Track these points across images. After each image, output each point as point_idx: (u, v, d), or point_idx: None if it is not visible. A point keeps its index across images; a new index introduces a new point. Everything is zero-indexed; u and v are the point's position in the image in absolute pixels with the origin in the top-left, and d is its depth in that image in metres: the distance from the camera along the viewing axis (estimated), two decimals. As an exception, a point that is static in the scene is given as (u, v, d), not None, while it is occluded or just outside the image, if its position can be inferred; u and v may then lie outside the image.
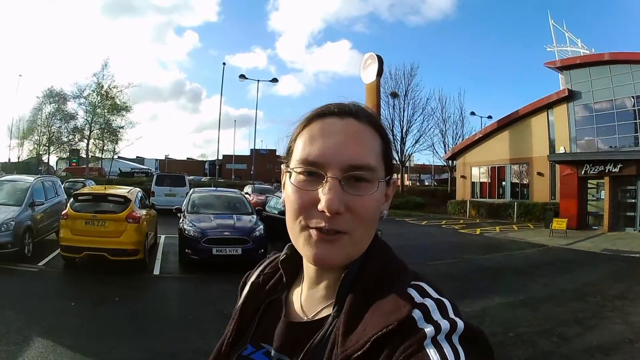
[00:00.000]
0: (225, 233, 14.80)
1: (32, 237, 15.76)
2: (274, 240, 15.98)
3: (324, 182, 1.16)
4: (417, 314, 1.05)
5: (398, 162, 58.78)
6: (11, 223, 14.57)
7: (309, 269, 1.32)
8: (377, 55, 42.71)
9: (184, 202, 18.64)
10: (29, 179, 18.46)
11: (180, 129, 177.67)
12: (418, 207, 47.16)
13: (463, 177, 45.08)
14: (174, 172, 41.65)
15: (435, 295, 1.14)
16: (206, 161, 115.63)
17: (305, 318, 1.30)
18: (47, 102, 62.62)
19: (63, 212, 14.74)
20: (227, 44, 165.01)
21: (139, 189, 18.06)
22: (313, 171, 1.18)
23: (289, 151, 1.29)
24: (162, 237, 19.11)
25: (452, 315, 1.07)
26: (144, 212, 15.47)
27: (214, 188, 25.79)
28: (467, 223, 34.96)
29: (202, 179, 65.09)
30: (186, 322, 9.70)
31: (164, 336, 8.75)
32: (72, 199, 15.17)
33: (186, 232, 14.90)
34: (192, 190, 20.70)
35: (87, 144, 61.39)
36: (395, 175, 1.34)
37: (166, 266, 15.29)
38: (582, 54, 36.54)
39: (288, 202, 1.21)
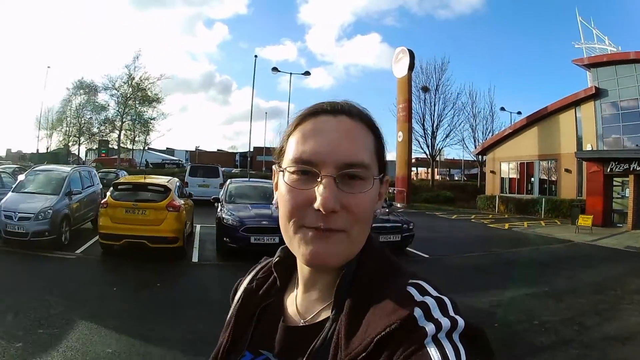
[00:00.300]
0: (264, 222, 15.01)
1: (69, 225, 16.39)
2: None
3: (318, 180, 1.17)
4: (417, 312, 1.06)
5: (428, 156, 59.10)
6: (49, 211, 15.18)
7: (304, 271, 1.33)
8: (408, 50, 43.43)
9: (222, 192, 19.06)
10: (66, 168, 19.19)
11: (210, 120, 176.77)
12: (448, 202, 47.02)
13: (492, 172, 44.79)
14: (205, 163, 41.86)
15: (435, 293, 1.14)
16: (237, 153, 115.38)
17: (302, 322, 1.30)
18: (77, 94, 63.19)
19: (103, 201, 15.21)
20: (257, 36, 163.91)
21: (177, 179, 18.58)
22: (307, 170, 1.18)
23: (281, 151, 1.30)
24: (198, 226, 19.52)
25: (452, 313, 1.08)
26: (182, 201, 15.84)
27: (249, 179, 26.22)
28: (496, 218, 35.03)
29: (233, 171, 64.87)
30: (226, 306, 10.00)
31: (204, 319, 8.95)
32: (111, 188, 15.62)
33: (225, 220, 15.19)
34: (229, 180, 20.84)
35: (119, 135, 61.95)
36: (386, 175, 1.34)
37: (204, 254, 15.67)
38: (609, 52, 36.30)
39: (282, 202, 1.22)
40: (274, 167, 1.32)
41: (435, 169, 68.20)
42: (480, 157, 53.90)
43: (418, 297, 1.10)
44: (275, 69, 50.42)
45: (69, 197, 16.82)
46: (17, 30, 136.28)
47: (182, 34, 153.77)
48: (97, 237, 16.01)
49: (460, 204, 46.11)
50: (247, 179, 25.56)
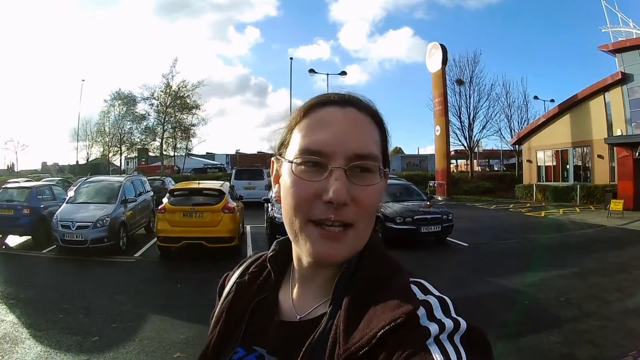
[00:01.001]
0: None
1: (125, 231, 17.44)
2: None
3: (327, 172, 1.13)
4: (420, 311, 1.04)
5: (466, 148, 59.20)
6: (107, 219, 16.24)
7: (302, 266, 1.29)
8: (440, 45, 43.98)
9: (271, 193, 19.76)
10: (119, 178, 20.52)
11: (247, 123, 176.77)
12: (487, 192, 47.26)
13: (529, 161, 45.00)
14: (249, 166, 42.70)
15: (436, 292, 1.14)
16: None
17: (298, 317, 1.27)
18: (115, 104, 64.67)
19: (160, 207, 16.25)
20: (289, 37, 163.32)
21: (228, 183, 19.63)
22: (316, 161, 1.14)
23: (284, 143, 1.26)
24: (248, 227, 20.33)
25: (454, 314, 1.07)
26: (235, 203, 16.76)
27: None
28: (533, 206, 35.31)
29: None
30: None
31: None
32: (168, 194, 16.71)
33: (277, 219, 16.17)
34: None
35: (161, 143, 62.94)
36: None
37: (258, 251, 16.35)
38: (634, 35, 36.16)
39: (288, 195, 1.17)
40: (273, 159, 1.31)
41: (475, 161, 68.22)
42: (516, 146, 53.66)
43: (421, 295, 1.11)
44: (312, 71, 51.19)
45: (124, 205, 17.97)
46: (48, 46, 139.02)
47: (213, 40, 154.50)
48: (153, 241, 17.47)
49: (499, 194, 46.31)
50: None
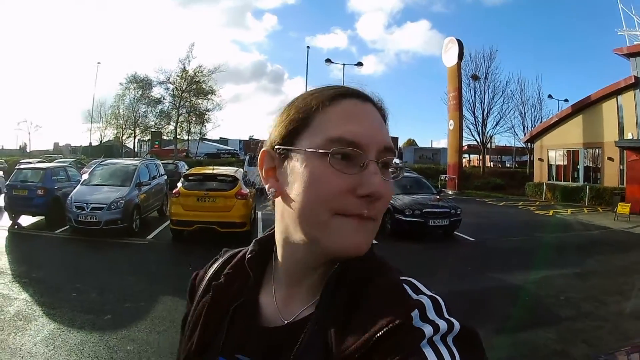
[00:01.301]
0: None
1: (139, 214, 17.88)
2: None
3: (361, 165, 1.07)
4: (414, 312, 1.02)
5: (479, 144, 59.51)
6: (121, 201, 16.63)
7: (290, 266, 1.22)
8: (457, 40, 44.28)
9: None
10: (134, 162, 20.83)
11: (262, 109, 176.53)
12: (498, 188, 47.35)
13: (540, 159, 44.98)
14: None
15: (428, 292, 1.11)
16: None
17: (284, 321, 1.19)
18: (130, 88, 65.14)
19: (174, 191, 16.58)
20: (307, 25, 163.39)
21: (241, 169, 19.96)
22: (350, 153, 1.07)
23: (298, 132, 1.14)
24: (259, 213, 20.44)
25: (447, 314, 1.05)
26: (248, 190, 17.05)
27: None
28: (542, 205, 35.38)
29: None
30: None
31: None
32: (182, 179, 17.19)
33: None
34: None
35: (175, 127, 63.70)
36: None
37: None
38: None
39: (312, 188, 1.07)
40: (268, 150, 1.21)
41: (487, 156, 68.39)
42: (529, 144, 53.71)
43: (413, 295, 1.08)
44: (328, 60, 51.43)
45: (139, 188, 18.38)
46: (64, 28, 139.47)
47: (230, 26, 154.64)
48: (165, 224, 17.93)
49: (510, 190, 46.38)
50: None
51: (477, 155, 71.57)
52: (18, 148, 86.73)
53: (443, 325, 1.00)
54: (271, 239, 1.32)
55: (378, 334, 0.99)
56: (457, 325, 1.02)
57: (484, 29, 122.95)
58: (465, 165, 63.32)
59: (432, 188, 21.43)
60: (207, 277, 1.42)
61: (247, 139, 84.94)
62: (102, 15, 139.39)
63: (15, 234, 17.63)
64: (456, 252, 16.61)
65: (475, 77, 56.80)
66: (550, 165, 44.12)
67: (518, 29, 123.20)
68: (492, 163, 78.91)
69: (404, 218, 17.77)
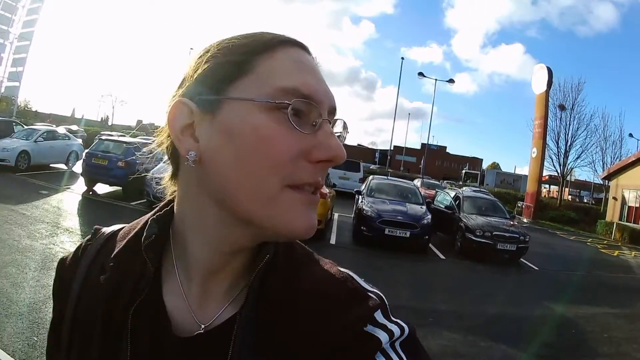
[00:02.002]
0: (399, 217, 16.62)
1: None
2: (437, 230, 18.62)
3: (313, 124, 0.88)
4: (373, 314, 0.94)
5: (559, 174, 58.68)
6: None
7: (205, 254, 0.97)
8: (547, 67, 44.07)
9: (363, 186, 20.69)
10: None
11: (353, 114, 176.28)
12: (571, 222, 46.57)
13: (615, 198, 44.56)
14: (348, 157, 43.37)
15: (369, 287, 1.01)
16: (376, 150, 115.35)
17: (202, 327, 0.97)
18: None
19: None
20: (403, 36, 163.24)
21: None
22: (303, 109, 0.87)
23: (229, 77, 0.90)
24: (336, 215, 21.07)
25: (392, 316, 0.96)
26: (328, 190, 17.42)
27: (388, 177, 27.32)
28: (610, 244, 35.01)
29: (371, 167, 64.48)
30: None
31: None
32: None
33: (364, 211, 16.87)
34: (371, 176, 22.33)
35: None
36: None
37: (340, 238, 17.31)
38: None
39: (258, 150, 0.85)
40: (182, 100, 0.92)
41: (566, 189, 67.58)
42: (606, 181, 52.91)
43: (361, 292, 0.98)
44: (421, 74, 51.99)
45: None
46: (160, 12, 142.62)
47: (328, 27, 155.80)
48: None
49: (582, 226, 45.65)
50: (387, 177, 26.54)
51: (557, 187, 71.05)
52: (99, 120, 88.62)
53: (396, 330, 0.94)
54: (170, 218, 1.06)
55: (331, 344, 0.90)
56: (406, 329, 0.96)
57: (575, 59, 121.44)
58: (544, 196, 63.00)
59: (507, 213, 21.59)
60: (81, 268, 1.10)
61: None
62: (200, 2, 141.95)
63: (90, 200, 18.71)
64: (517, 278, 16.99)
65: (562, 107, 56.20)
66: (623, 206, 43.74)
67: (606, 63, 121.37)
68: (570, 196, 77.92)
69: (474, 237, 18.04)
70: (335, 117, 0.97)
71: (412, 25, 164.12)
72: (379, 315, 0.94)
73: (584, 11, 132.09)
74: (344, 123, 1.01)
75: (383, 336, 0.91)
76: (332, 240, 17.09)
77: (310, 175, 0.88)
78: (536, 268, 18.74)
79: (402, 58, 52.00)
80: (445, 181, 43.78)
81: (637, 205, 42.18)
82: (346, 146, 0.93)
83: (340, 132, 1.00)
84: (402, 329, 0.95)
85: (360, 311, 0.94)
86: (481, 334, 9.58)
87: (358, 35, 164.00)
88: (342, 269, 1.05)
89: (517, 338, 9.89)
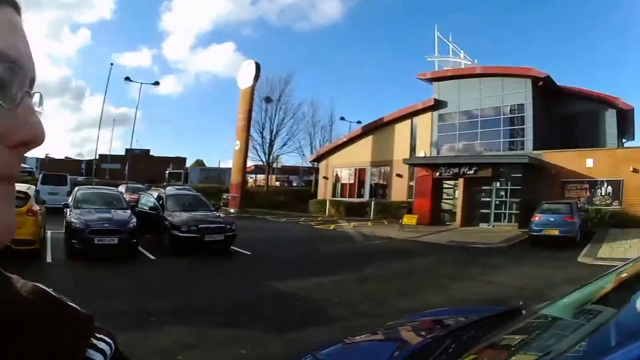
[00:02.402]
0: (105, 225, 16.39)
1: None
2: (144, 232, 18.41)
3: (14, 99, 0.66)
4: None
5: (265, 163, 61.88)
6: None
7: None
8: (255, 62, 45.25)
9: (70, 199, 20.02)
10: None
11: (59, 126, 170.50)
12: (281, 206, 49.34)
13: (325, 178, 47.98)
14: (55, 172, 42.17)
15: (71, 303, 0.85)
16: (83, 160, 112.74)
17: None
18: None
19: None
20: (116, 42, 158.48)
21: (34, 187, 19.43)
22: (4, 78, 0.64)
23: None
24: (49, 232, 19.91)
25: (97, 333, 0.84)
26: (39, 207, 16.52)
27: (93, 186, 27.68)
28: (325, 220, 37.45)
29: (79, 179, 62.38)
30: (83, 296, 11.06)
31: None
32: None
33: (73, 224, 16.18)
34: (76, 188, 21.78)
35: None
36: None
37: (56, 255, 16.30)
38: (463, 65, 40.04)
39: None
40: None
41: (273, 176, 72.32)
42: (315, 163, 56.36)
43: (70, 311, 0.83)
44: (127, 79, 52.18)
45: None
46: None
47: (46, 38, 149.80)
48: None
49: (294, 208, 48.37)
50: (94, 186, 26.71)
51: (263, 175, 73.42)
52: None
53: (106, 348, 0.83)
54: None
55: None
56: (112, 344, 0.85)
57: (290, 53, 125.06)
58: (251, 185, 67.06)
59: (211, 206, 22.19)
60: None
61: (44, 157, 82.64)
62: None
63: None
64: (232, 265, 17.27)
65: (268, 99, 58.92)
66: (335, 183, 47.21)
67: (323, 55, 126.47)
68: (278, 182, 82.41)
69: (180, 234, 18.20)
70: (33, 91, 0.72)
71: (127, 31, 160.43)
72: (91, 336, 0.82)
73: (307, 7, 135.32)
74: (41, 96, 0.75)
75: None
76: (48, 259, 15.96)
77: (7, 164, 0.66)
78: (249, 253, 19.13)
79: (112, 64, 51.92)
80: (147, 184, 43.48)
81: (351, 181, 45.68)
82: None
83: (39, 109, 0.74)
84: (109, 344, 0.85)
85: (73, 335, 0.79)
86: (208, 324, 9.25)
87: (74, 43, 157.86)
88: (38, 285, 0.82)
89: (242, 321, 9.57)
